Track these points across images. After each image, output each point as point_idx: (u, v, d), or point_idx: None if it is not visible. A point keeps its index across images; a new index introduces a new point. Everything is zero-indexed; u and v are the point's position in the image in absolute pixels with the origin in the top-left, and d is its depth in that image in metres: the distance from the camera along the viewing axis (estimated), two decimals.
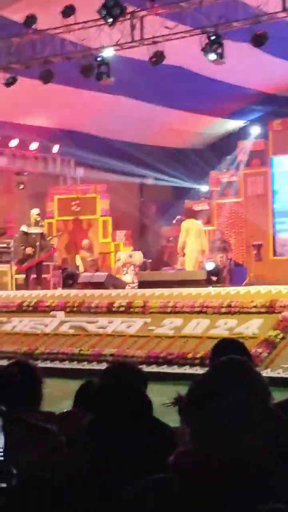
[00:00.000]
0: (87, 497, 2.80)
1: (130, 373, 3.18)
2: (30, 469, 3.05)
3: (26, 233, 17.09)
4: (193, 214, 18.63)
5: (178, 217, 17.85)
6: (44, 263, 17.72)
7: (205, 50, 13.10)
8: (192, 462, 1.79)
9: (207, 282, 15.43)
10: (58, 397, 10.37)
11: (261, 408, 1.80)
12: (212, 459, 1.75)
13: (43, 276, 17.50)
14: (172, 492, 1.79)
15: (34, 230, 17.07)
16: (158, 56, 13.75)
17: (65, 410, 4.14)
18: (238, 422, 1.76)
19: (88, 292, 15.08)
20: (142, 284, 16.01)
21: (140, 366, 11.06)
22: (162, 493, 1.82)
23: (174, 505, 1.78)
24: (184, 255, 17.79)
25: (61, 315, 14.32)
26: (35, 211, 17.34)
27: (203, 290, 13.98)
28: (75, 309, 14.36)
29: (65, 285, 17.49)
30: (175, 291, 14.07)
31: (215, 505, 1.75)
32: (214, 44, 12.98)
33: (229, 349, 3.88)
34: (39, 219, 17.31)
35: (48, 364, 12.98)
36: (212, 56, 13.09)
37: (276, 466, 1.79)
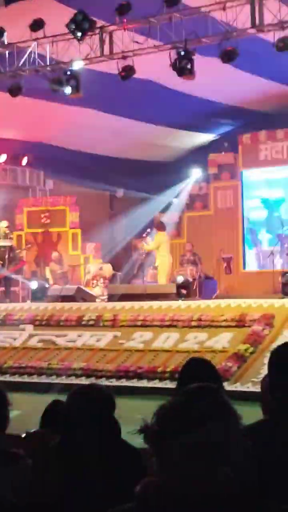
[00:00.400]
0: None
1: (98, 395, 3.16)
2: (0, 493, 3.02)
3: None
4: (164, 227, 18.66)
5: (149, 230, 17.86)
6: (13, 276, 17.62)
7: (175, 65, 13.14)
8: (159, 494, 1.76)
9: (177, 295, 15.47)
10: (26, 412, 10.32)
11: (233, 440, 1.78)
12: (181, 493, 1.72)
13: (12, 289, 17.39)
14: None
15: (2, 243, 16.99)
16: (128, 71, 13.77)
17: (32, 430, 4.08)
18: (211, 455, 1.73)
19: (58, 305, 15.02)
20: (112, 297, 16.00)
21: (110, 380, 11.04)
22: None
23: None
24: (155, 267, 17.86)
25: (30, 328, 14.25)
26: (3, 224, 17.27)
27: (173, 304, 14.01)
28: (44, 322, 14.31)
29: (34, 298, 17.41)
30: (145, 304, 14.07)
31: None
32: (183, 60, 13.03)
33: (198, 370, 3.86)
34: (8, 231, 17.24)
35: (16, 378, 12.91)
36: (182, 72, 13.13)
37: (249, 499, 1.77)
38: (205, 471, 1.73)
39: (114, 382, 11.98)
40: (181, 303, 13.97)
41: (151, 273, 18.09)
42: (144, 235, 17.83)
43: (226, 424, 1.79)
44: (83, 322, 13.89)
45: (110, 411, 3.14)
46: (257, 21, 12.76)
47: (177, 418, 1.79)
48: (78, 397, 3.15)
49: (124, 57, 13.83)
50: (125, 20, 13.44)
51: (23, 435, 3.98)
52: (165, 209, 22.50)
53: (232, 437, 1.79)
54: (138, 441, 1.97)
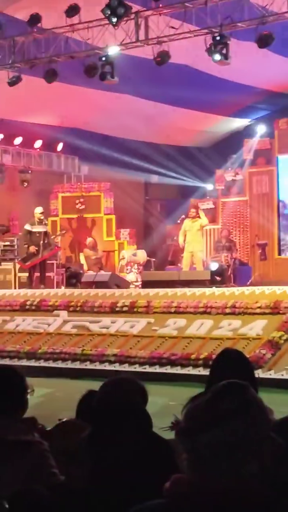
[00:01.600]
0: None
1: (131, 387, 3.15)
2: (15, 485, 3.03)
3: (29, 232, 17.09)
4: (198, 213, 18.59)
5: (183, 216, 17.80)
6: (48, 262, 17.71)
7: (210, 51, 13.04)
8: (188, 490, 1.75)
9: (211, 282, 15.42)
10: (59, 397, 10.40)
11: (260, 436, 1.77)
12: (210, 489, 1.72)
13: (46, 274, 17.48)
14: None
15: (37, 228, 17.06)
16: (163, 56, 13.70)
17: (64, 419, 4.09)
18: (238, 452, 1.73)
19: (92, 291, 15.07)
20: (146, 284, 16.00)
21: (143, 367, 11.05)
22: None
23: None
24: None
25: (64, 314, 14.31)
26: (38, 210, 17.34)
27: (207, 290, 13.96)
28: (78, 308, 14.36)
29: (69, 284, 17.48)
30: (179, 291, 14.04)
31: None
32: (219, 45, 12.92)
33: (230, 362, 3.84)
34: (42, 217, 17.30)
35: (50, 364, 12.99)
36: (217, 57, 13.03)
37: (276, 496, 1.76)
38: (231, 468, 1.73)
39: (147, 369, 12.00)
40: (215, 290, 13.92)
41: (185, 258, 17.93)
42: (178, 221, 17.76)
43: (252, 420, 1.78)
44: (117, 309, 13.91)
45: (142, 404, 3.13)
46: None
47: (204, 416, 1.79)
48: (110, 389, 3.14)
49: (159, 42, 13.77)
50: (160, 5, 13.36)
51: (56, 423, 3.99)
52: (200, 195, 22.41)
53: (259, 433, 1.78)
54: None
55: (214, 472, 1.74)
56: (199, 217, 17.65)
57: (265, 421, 1.83)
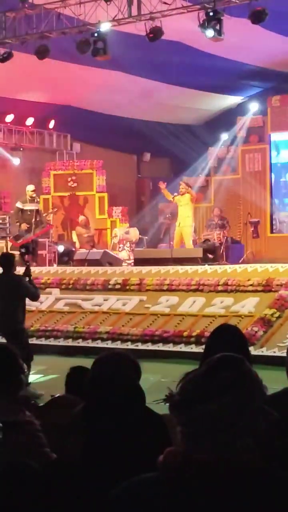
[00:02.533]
0: (77, 488, 2.78)
1: (124, 362, 3.15)
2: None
3: (21, 210, 17.03)
4: (190, 190, 18.52)
5: (175, 194, 17.75)
6: (40, 240, 17.66)
7: (203, 26, 12.93)
8: (181, 463, 1.76)
9: (204, 260, 15.42)
10: (53, 374, 10.41)
11: (255, 409, 1.77)
12: (203, 461, 1.72)
13: (38, 252, 17.44)
14: (160, 493, 1.76)
15: (29, 206, 17.00)
16: (156, 32, 13.58)
17: (56, 395, 4.10)
18: (233, 424, 1.73)
19: (84, 269, 15.06)
20: (138, 261, 16.01)
21: (135, 344, 11.08)
22: (149, 495, 1.79)
23: (161, 507, 1.75)
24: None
25: (56, 292, 14.31)
26: (30, 188, 17.26)
27: (200, 268, 13.97)
28: (70, 286, 14.37)
29: (61, 262, 17.47)
30: (171, 268, 14.05)
31: (206, 508, 1.72)
32: (212, 21, 12.81)
33: (227, 337, 3.85)
34: (34, 195, 17.23)
35: (43, 341, 13.01)
36: (210, 33, 12.93)
37: (270, 469, 1.77)
38: (225, 441, 1.73)
39: (139, 346, 12.03)
40: (208, 268, 13.93)
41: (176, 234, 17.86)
42: (171, 199, 17.70)
43: (248, 393, 1.79)
44: (109, 286, 13.92)
45: (136, 379, 3.13)
46: None
47: (199, 388, 1.79)
48: (104, 364, 3.13)
49: (152, 18, 13.63)
50: None
51: (48, 399, 4.00)
52: (192, 173, 22.36)
53: (254, 406, 1.78)
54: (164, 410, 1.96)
55: (208, 444, 1.75)
56: (188, 193, 17.59)
57: (260, 395, 1.84)
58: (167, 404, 1.88)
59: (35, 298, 10.15)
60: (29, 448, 3.19)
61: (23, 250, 12.53)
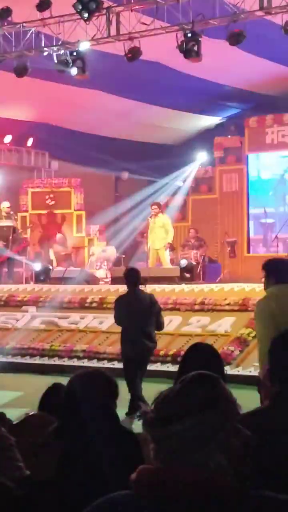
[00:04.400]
0: (50, 507, 2.76)
1: (101, 381, 3.14)
2: None
3: None
4: (163, 210, 18.54)
5: (153, 212, 17.74)
6: (17, 257, 17.59)
7: (181, 47, 13.04)
8: (154, 480, 1.76)
9: (181, 279, 15.45)
10: (28, 393, 10.34)
11: (230, 429, 1.78)
12: (176, 480, 1.73)
13: (15, 270, 17.37)
14: (133, 511, 1.76)
15: (4, 223, 16.93)
16: (134, 52, 13.68)
17: (31, 413, 4.08)
18: (207, 444, 1.74)
19: (61, 287, 15.02)
20: (116, 280, 15.98)
21: (111, 362, 11.00)
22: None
23: None
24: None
25: (33, 310, 14.26)
26: (5, 204, 17.22)
27: (177, 287, 13.99)
28: (47, 304, 14.31)
29: (38, 280, 17.41)
30: (149, 287, 14.03)
31: None
32: (190, 42, 12.94)
33: (201, 355, 3.85)
34: (11, 212, 17.18)
35: (18, 360, 12.94)
36: (188, 54, 13.04)
37: (243, 486, 1.77)
38: (199, 460, 1.74)
39: (116, 365, 11.98)
40: (185, 287, 13.96)
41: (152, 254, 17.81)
42: (148, 217, 17.70)
43: (222, 412, 1.79)
44: (86, 304, 13.90)
45: (112, 398, 3.13)
46: (265, 4, 12.66)
47: (174, 406, 1.79)
48: (79, 382, 3.13)
49: (130, 38, 13.73)
50: (132, 1, 13.34)
51: (23, 417, 3.97)
52: (170, 192, 22.44)
53: (228, 425, 1.79)
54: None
55: (182, 463, 1.75)
56: (161, 213, 17.52)
57: (235, 414, 1.84)
58: (141, 421, 1.88)
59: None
60: (5, 461, 3.17)
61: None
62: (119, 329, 12.89)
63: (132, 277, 9.39)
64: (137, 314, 8.99)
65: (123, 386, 10.53)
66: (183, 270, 16.02)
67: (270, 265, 6.28)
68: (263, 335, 5.93)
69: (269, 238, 20.36)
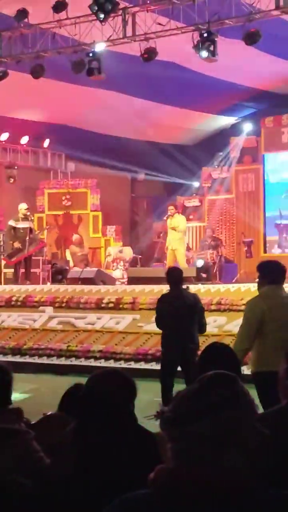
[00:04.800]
0: (67, 506, 2.77)
1: (119, 381, 3.14)
2: (4, 471, 3.03)
3: (14, 228, 17.00)
4: (183, 211, 18.58)
5: (169, 213, 17.75)
6: (34, 258, 17.66)
7: (197, 47, 13.03)
8: (172, 480, 1.76)
9: (197, 279, 15.43)
10: (45, 393, 10.39)
11: (247, 428, 1.78)
12: (194, 479, 1.73)
13: (32, 270, 17.43)
14: (151, 511, 1.76)
15: (22, 224, 16.98)
16: (150, 53, 13.68)
17: (49, 413, 4.10)
18: (225, 443, 1.74)
19: (78, 287, 15.05)
20: (132, 280, 16.01)
21: (128, 363, 10.98)
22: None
23: None
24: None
25: (49, 310, 14.30)
26: (23, 206, 17.26)
27: (193, 287, 13.95)
28: (64, 304, 14.35)
29: (54, 280, 17.46)
30: (165, 287, 14.02)
31: None
32: (206, 42, 12.92)
33: (218, 355, 3.86)
34: (27, 213, 17.23)
35: (36, 360, 12.99)
36: (204, 54, 13.03)
37: (262, 486, 1.77)
38: (217, 459, 1.73)
39: (132, 365, 12.01)
40: (201, 287, 13.94)
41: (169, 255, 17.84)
42: (164, 218, 17.72)
43: (241, 412, 1.79)
44: (103, 305, 13.90)
45: (130, 398, 3.13)
46: (281, 3, 12.63)
47: (192, 405, 1.79)
48: (97, 381, 3.14)
49: (146, 39, 13.74)
50: (148, 1, 13.35)
51: (40, 417, 3.99)
52: (186, 193, 22.43)
53: (247, 425, 1.79)
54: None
55: (200, 462, 1.75)
56: (177, 213, 17.50)
57: (253, 413, 1.84)
58: (158, 421, 1.88)
59: None
60: (27, 454, 3.19)
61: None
62: (136, 329, 12.98)
63: (174, 277, 9.25)
64: (182, 313, 8.76)
65: (141, 387, 10.55)
66: (199, 270, 16.01)
67: (263, 267, 6.66)
68: (244, 333, 6.43)
69: (283, 239, 20.32)
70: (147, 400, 8.98)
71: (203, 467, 1.73)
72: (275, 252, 20.73)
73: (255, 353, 6.30)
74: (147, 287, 14.14)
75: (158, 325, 9.29)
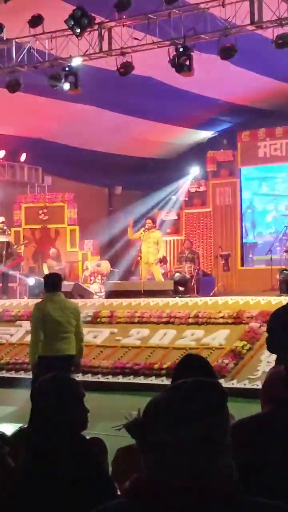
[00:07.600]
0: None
1: (60, 388, 3.13)
2: None
3: None
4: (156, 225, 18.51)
5: (146, 226, 17.75)
6: (11, 272, 17.58)
7: (173, 62, 13.10)
8: (150, 489, 1.74)
9: (175, 292, 15.44)
10: (23, 408, 10.31)
11: (227, 434, 1.77)
12: (172, 488, 1.71)
13: (9, 285, 17.35)
14: None
15: None
16: (126, 67, 13.74)
17: (25, 427, 4.08)
18: (204, 450, 1.72)
19: None
20: (109, 294, 15.98)
21: (106, 377, 10.97)
22: None
23: None
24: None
25: (26, 324, 14.19)
26: None
27: (171, 300, 13.99)
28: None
29: (32, 295, 17.37)
30: (142, 301, 14.05)
31: None
32: (182, 56, 13.00)
33: (194, 366, 3.85)
34: (4, 227, 17.17)
35: (13, 374, 12.90)
36: (180, 68, 13.10)
37: (239, 492, 1.76)
38: (195, 466, 1.71)
39: (110, 379, 11.98)
40: (179, 300, 13.96)
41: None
42: (142, 230, 17.63)
43: (221, 418, 1.77)
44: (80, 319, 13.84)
45: (75, 403, 3.11)
46: (256, 18, 12.73)
47: (171, 413, 1.76)
48: (40, 389, 3.17)
49: (122, 54, 13.80)
50: (124, 16, 13.41)
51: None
52: (163, 206, 22.48)
53: (227, 431, 1.78)
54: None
55: (177, 470, 1.72)
56: (154, 228, 17.43)
57: (229, 421, 1.83)
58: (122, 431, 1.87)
59: None
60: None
61: None
62: (113, 342, 12.94)
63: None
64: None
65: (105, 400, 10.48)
66: (177, 283, 16.01)
67: None
68: None
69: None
70: (125, 413, 8.99)
71: (183, 475, 1.71)
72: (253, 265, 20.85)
73: None
74: (125, 301, 14.14)
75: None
